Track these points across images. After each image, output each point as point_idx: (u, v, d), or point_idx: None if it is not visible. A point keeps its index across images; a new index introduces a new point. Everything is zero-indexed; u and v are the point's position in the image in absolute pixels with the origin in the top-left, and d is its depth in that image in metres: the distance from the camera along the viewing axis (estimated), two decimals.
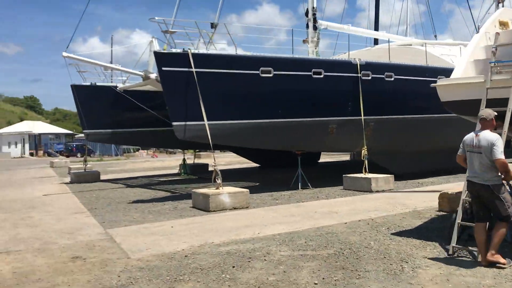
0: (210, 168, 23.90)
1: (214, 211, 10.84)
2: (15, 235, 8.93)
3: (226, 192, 11.14)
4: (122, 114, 19.46)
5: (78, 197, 14.79)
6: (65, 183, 19.65)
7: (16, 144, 62.66)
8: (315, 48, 17.09)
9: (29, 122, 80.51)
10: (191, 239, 7.91)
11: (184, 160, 21.76)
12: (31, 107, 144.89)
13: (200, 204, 11.31)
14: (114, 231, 8.91)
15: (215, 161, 12.04)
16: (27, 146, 64.67)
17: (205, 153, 41.43)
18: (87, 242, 8.09)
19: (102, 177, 20.93)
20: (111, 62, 20.59)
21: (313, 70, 13.82)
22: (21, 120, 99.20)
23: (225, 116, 12.90)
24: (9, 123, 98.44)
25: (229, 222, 9.40)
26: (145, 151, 73.31)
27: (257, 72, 13.13)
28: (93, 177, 19.91)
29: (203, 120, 12.24)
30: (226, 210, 10.94)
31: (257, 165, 25.09)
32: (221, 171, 21.47)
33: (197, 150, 32.38)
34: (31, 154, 64.82)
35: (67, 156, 58.42)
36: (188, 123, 12.56)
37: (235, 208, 11.11)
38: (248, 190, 11.54)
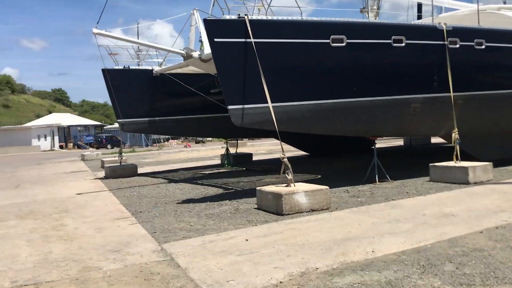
0: (257, 158, 21.90)
1: (288, 214, 8.62)
2: (46, 254, 6.91)
3: (302, 191, 8.88)
4: (160, 101, 17.45)
5: (117, 196, 12.81)
6: (100, 179, 17.78)
7: (45, 137, 61.93)
8: (375, 18, 14.57)
9: (58, 114, 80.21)
10: (284, 262, 5.70)
11: (227, 150, 19.59)
12: (59, 99, 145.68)
13: (268, 205, 9.10)
14: (172, 248, 6.78)
15: (283, 151, 9.76)
16: (56, 138, 63.96)
17: (240, 141, 39.34)
18: (140, 266, 5.98)
19: (139, 170, 19.00)
20: (138, 51, 18.47)
21: (393, 37, 11.35)
22: (50, 113, 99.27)
23: (291, 96, 10.61)
24: (38, 116, 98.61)
25: (319, 232, 7.15)
26: (175, 140, 71.94)
27: (327, 41, 10.76)
28: (130, 171, 17.98)
29: (266, 102, 9.98)
30: (303, 213, 8.71)
31: (304, 153, 22.78)
32: (264, 161, 19.23)
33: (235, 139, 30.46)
34: (61, 147, 64.11)
35: (97, 148, 57.37)
36: (247, 106, 10.31)
37: (313, 210, 8.86)
38: (327, 187, 9.25)
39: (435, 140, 27.94)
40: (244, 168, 18.02)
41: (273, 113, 9.68)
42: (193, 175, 16.90)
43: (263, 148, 32.46)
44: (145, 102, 17.45)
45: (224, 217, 8.90)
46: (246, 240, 6.94)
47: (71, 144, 64.03)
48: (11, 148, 53.37)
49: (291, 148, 27.23)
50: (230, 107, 10.27)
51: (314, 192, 8.97)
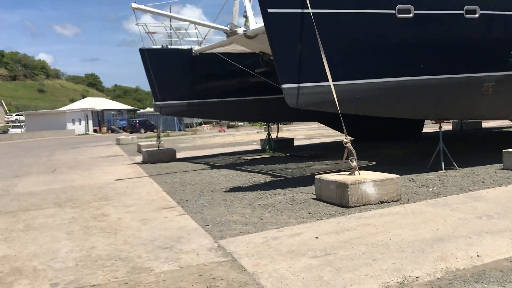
0: (297, 143, 20.85)
1: (354, 206, 7.60)
2: (88, 250, 6.12)
3: (370, 180, 7.83)
4: (199, 82, 16.58)
5: (158, 182, 12.04)
6: (137, 163, 17.13)
7: (80, 121, 62.41)
8: None
9: (92, 98, 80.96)
10: (372, 269, 4.71)
11: (268, 134, 18.59)
12: (92, 84, 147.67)
13: (330, 195, 8.10)
14: (231, 245, 5.88)
15: (346, 135, 8.69)
16: (90, 122, 64.40)
17: (273, 126, 38.22)
18: (198, 268, 5.10)
19: (177, 155, 18.24)
20: (176, 29, 17.50)
21: (465, 7, 10.04)
22: (83, 97, 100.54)
23: (352, 74, 9.50)
24: (72, 101, 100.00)
25: (400, 230, 6.11)
26: (207, 125, 71.51)
27: (393, 11, 9.56)
28: (168, 155, 17.24)
29: (324, 80, 8.91)
30: (371, 205, 7.67)
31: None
32: (306, 147, 18.16)
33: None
34: (95, 131, 64.57)
35: (130, 132, 57.39)
36: (303, 85, 9.27)
37: (381, 202, 7.81)
38: (398, 176, 8.15)
39: (486, 124, 26.24)
40: (287, 154, 17.02)
41: (334, 92, 8.60)
42: (235, 161, 16.01)
43: (301, 133, 31.33)
44: (184, 83, 16.61)
45: (280, 208, 7.95)
46: (316, 237, 5.97)
47: (105, 128, 64.36)
48: (46, 132, 53.89)
49: (327, 132, 26.08)
50: (284, 86, 9.25)
51: (383, 181, 7.90)
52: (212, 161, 16.18)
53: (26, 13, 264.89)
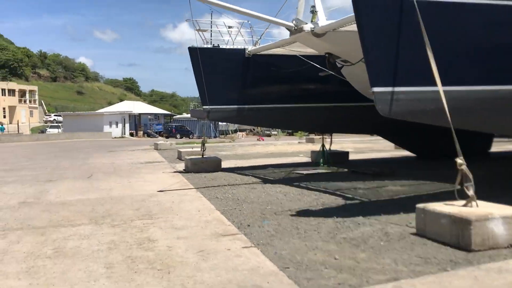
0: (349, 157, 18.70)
1: (478, 250, 5.72)
2: None
3: (499, 216, 5.93)
4: (251, 86, 14.98)
5: (207, 197, 10.42)
6: (179, 172, 15.60)
7: (116, 124, 62.08)
8: None
9: (129, 102, 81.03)
10: None
11: (323, 146, 16.76)
12: (130, 88, 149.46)
13: (441, 233, 6.23)
14: None
15: (460, 154, 6.80)
16: (127, 126, 64.00)
17: (318, 137, 36.24)
18: None
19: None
20: (228, 27, 15.95)
21: None
22: (121, 101, 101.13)
23: (461, 78, 7.64)
24: (110, 104, 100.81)
25: None
26: (242, 132, 70.20)
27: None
28: (213, 165, 15.66)
29: (424, 85, 7.11)
30: (499, 249, 5.78)
31: (407, 154, 19.51)
32: (361, 162, 16.48)
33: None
34: (131, 134, 64.16)
35: (167, 137, 56.52)
36: (398, 89, 7.47)
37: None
38: None
39: None
40: (345, 170, 15.15)
41: (444, 99, 6.76)
42: (288, 175, 14.26)
43: (347, 146, 29.25)
44: (235, 87, 15.05)
45: (376, 246, 6.15)
46: None
47: (141, 132, 63.84)
48: (83, 133, 53.60)
49: (379, 145, 24.11)
50: (376, 89, 7.47)
51: None
52: (262, 174, 14.47)
53: (69, 18, 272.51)
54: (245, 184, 12.39)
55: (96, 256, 6.01)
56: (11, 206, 9.98)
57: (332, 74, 14.24)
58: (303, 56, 13.80)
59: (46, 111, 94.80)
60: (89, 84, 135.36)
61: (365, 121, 16.08)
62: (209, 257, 5.83)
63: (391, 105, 7.48)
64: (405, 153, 21.83)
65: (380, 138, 39.68)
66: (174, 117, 79.69)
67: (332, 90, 15.24)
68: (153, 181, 13.61)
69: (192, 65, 14.75)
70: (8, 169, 18.36)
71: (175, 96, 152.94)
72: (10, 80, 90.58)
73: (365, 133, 25.16)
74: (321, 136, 37.99)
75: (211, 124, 63.37)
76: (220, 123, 66.78)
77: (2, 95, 79.00)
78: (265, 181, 12.94)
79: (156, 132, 63.31)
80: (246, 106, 15.07)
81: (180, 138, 56.24)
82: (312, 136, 37.06)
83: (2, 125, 64.05)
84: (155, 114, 74.29)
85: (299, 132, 47.97)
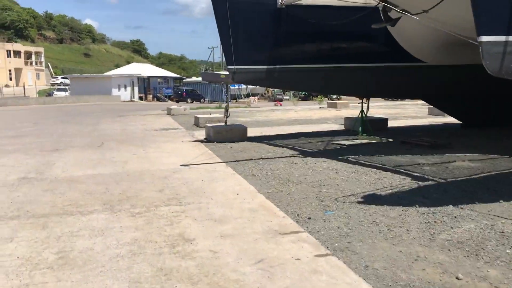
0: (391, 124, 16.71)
1: None
2: None
3: None
4: (284, 43, 12.98)
5: (241, 174, 8.70)
6: (200, 141, 13.85)
7: (125, 87, 60.05)
8: None
9: (138, 64, 78.71)
10: None
11: (362, 113, 14.81)
12: (137, 51, 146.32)
13: None
14: None
15: None
16: (136, 89, 62.00)
17: (340, 102, 34.12)
18: None
19: None
20: None
21: None
22: (128, 63, 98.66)
23: None
24: (117, 66, 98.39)
25: None
26: (255, 97, 68.03)
27: None
28: (238, 134, 13.89)
29: None
30: None
31: (452, 121, 17.58)
32: (400, 129, 14.59)
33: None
34: (140, 98, 62.28)
35: (177, 101, 54.58)
36: None
37: None
38: None
39: None
40: (389, 140, 13.30)
41: None
42: (327, 146, 12.45)
43: (373, 111, 27.23)
44: (264, 43, 13.04)
45: (502, 255, 4.40)
46: None
47: (151, 96, 61.85)
48: (91, 97, 51.75)
49: (408, 110, 22.23)
50: (484, 38, 5.53)
51: None
52: (297, 145, 12.67)
53: None
54: (282, 157, 10.62)
55: (116, 267, 4.33)
56: (9, 183, 8.33)
57: (375, 30, 12.28)
58: (345, 7, 11.73)
59: (53, 74, 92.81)
60: (96, 46, 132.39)
61: (413, 84, 14.15)
62: (276, 273, 4.12)
63: (503, 60, 5.56)
64: (444, 119, 19.95)
65: (406, 102, 37.76)
66: (183, 80, 77.39)
67: (377, 49, 13.24)
68: (173, 152, 11.88)
69: (216, 18, 12.71)
70: (11, 135, 16.71)
71: (184, 59, 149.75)
72: (16, 42, 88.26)
73: (410, 97, 23.16)
74: (340, 101, 35.90)
75: (223, 88, 61.26)
76: (231, 86, 64.73)
77: (8, 56, 76.82)
78: (304, 153, 11.16)
79: (166, 96, 61.29)
80: (278, 67, 13.09)
81: (190, 102, 54.30)
82: (334, 101, 35.11)
83: None
84: (164, 77, 71.91)
85: (319, 96, 45.89)
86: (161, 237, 5.17)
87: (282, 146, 12.36)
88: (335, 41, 12.88)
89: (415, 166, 9.12)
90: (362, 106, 15.05)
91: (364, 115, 14.88)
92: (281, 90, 73.56)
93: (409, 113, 25.17)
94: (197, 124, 18.89)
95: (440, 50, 13.25)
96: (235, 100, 60.92)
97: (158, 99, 60.68)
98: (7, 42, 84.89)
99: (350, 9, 11.77)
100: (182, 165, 9.78)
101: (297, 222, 5.62)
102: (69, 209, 6.49)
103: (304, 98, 63.29)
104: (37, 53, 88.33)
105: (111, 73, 66.38)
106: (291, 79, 13.39)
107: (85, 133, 16.89)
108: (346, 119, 17.03)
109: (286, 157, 10.65)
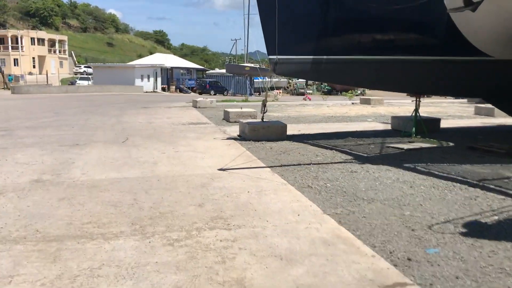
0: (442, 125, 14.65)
1: None
2: None
3: None
4: (335, 31, 11.42)
5: (293, 183, 7.28)
6: (234, 139, 12.41)
7: (148, 77, 59.05)
8: None
9: (161, 55, 77.73)
10: None
11: (417, 112, 13.15)
12: (160, 42, 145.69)
13: None
14: None
15: None
16: (159, 80, 60.94)
17: (374, 98, 32.22)
18: None
19: None
20: None
21: None
22: (151, 54, 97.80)
23: None
24: (140, 56, 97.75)
25: None
26: (278, 90, 66.25)
27: None
28: (277, 132, 12.41)
29: None
30: None
31: (501, 122, 15.83)
32: (450, 131, 12.71)
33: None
34: (163, 89, 61.27)
35: (200, 93, 53.33)
36: None
37: None
38: None
39: None
40: (450, 144, 11.67)
41: None
42: (383, 150, 10.87)
43: (410, 109, 25.39)
44: (311, 31, 11.50)
45: None
46: None
47: (174, 87, 60.70)
48: (114, 86, 50.85)
49: (444, 107, 20.48)
50: None
51: None
52: (346, 147, 11.13)
53: None
54: (335, 163, 9.10)
55: None
56: (20, 187, 7.02)
57: (438, 19, 10.66)
58: None
59: (76, 62, 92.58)
60: (119, 36, 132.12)
61: (477, 81, 12.45)
62: None
63: None
64: (496, 120, 18.28)
65: (442, 99, 35.64)
66: (206, 72, 76.14)
67: (439, 40, 11.59)
68: (206, 151, 10.46)
69: (258, 1, 11.23)
70: (30, 126, 15.55)
71: (206, 50, 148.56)
72: (40, 29, 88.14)
73: (470, 96, 21.42)
74: (375, 96, 33.95)
75: (247, 81, 59.82)
76: (255, 79, 63.19)
77: (32, 44, 76.59)
78: (359, 158, 9.62)
79: (189, 88, 60.09)
80: (325, 57, 11.54)
81: (214, 94, 52.96)
82: (368, 96, 33.36)
83: (10, 75, 61.72)
84: (187, 69, 70.68)
85: (349, 91, 44.05)
86: (213, 285, 3.73)
87: (330, 148, 10.83)
88: (391, 29, 11.25)
89: (505, 180, 7.50)
90: (416, 104, 13.41)
91: (418, 115, 13.26)
92: (304, 84, 71.84)
93: (452, 112, 23.32)
94: (227, 119, 17.47)
95: (508, 44, 11.57)
96: (258, 93, 59.39)
97: (181, 91, 59.54)
98: (32, 29, 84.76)
99: None
100: (219, 169, 8.35)
101: (395, 266, 4.13)
102: (89, 229, 5.12)
103: (328, 93, 61.29)
104: (60, 41, 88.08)
105: (134, 63, 65.48)
106: (340, 71, 11.81)
107: (108, 126, 15.62)
108: (394, 118, 15.38)
109: (340, 162, 9.12)
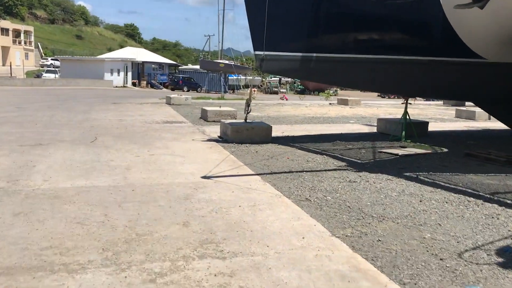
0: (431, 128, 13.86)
1: None
2: None
3: None
4: (326, 27, 10.61)
5: (288, 195, 6.43)
6: (215, 141, 11.47)
7: (118, 71, 57.07)
8: None
9: (132, 48, 75.65)
10: None
11: (406, 115, 12.50)
12: (131, 35, 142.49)
13: None
14: None
15: None
16: (129, 74, 59.09)
17: (351, 98, 31.62)
18: None
19: None
20: None
21: None
22: (121, 47, 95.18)
23: None
24: (110, 50, 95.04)
25: None
26: (253, 89, 65.21)
27: None
28: (262, 134, 11.55)
29: None
30: None
31: (497, 126, 15.45)
32: (437, 134, 12.18)
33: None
34: (133, 84, 59.45)
35: (172, 89, 51.84)
36: None
37: None
38: None
39: None
40: (444, 150, 11.06)
41: None
42: (376, 155, 10.13)
43: (389, 111, 25.00)
44: (300, 27, 10.66)
45: None
46: None
47: (145, 82, 58.93)
48: (82, 80, 48.80)
49: (439, 113, 20.18)
50: None
51: None
52: (336, 151, 10.35)
53: None
54: (329, 170, 8.29)
55: None
56: None
57: (434, 18, 10.02)
58: None
59: (43, 55, 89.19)
60: (89, 29, 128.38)
61: (471, 83, 11.90)
62: None
63: None
64: (478, 124, 18.05)
65: (419, 101, 35.46)
66: (179, 67, 74.48)
67: (434, 40, 10.96)
68: (186, 154, 9.49)
69: None
70: None
71: (179, 45, 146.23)
72: (4, 19, 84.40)
73: (462, 99, 21.21)
74: (352, 97, 33.42)
75: (222, 78, 58.71)
76: (230, 77, 62.11)
77: None
78: (353, 165, 8.84)
79: (161, 83, 58.43)
80: (315, 55, 10.72)
81: (187, 91, 51.59)
82: (345, 97, 32.84)
83: None
84: (159, 64, 68.89)
85: (325, 91, 43.55)
86: None
87: (320, 153, 10.03)
88: (385, 27, 10.53)
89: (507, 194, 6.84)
90: (406, 106, 12.79)
91: (409, 118, 12.63)
92: (277, 83, 71.06)
93: (432, 114, 23.00)
94: (204, 118, 16.48)
95: (503, 45, 11.08)
96: (232, 91, 58.28)
97: (152, 86, 57.88)
98: None
99: None
100: (203, 177, 7.42)
101: None
102: (48, 257, 4.12)
103: (301, 92, 60.64)
104: (26, 32, 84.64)
105: (103, 57, 63.25)
106: (330, 70, 11.01)
107: (75, 123, 14.39)
108: (380, 120, 14.72)
109: (334, 170, 8.32)
